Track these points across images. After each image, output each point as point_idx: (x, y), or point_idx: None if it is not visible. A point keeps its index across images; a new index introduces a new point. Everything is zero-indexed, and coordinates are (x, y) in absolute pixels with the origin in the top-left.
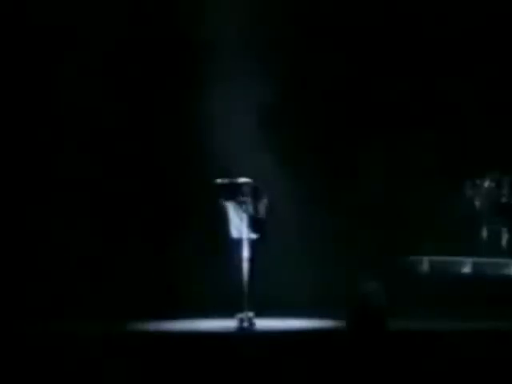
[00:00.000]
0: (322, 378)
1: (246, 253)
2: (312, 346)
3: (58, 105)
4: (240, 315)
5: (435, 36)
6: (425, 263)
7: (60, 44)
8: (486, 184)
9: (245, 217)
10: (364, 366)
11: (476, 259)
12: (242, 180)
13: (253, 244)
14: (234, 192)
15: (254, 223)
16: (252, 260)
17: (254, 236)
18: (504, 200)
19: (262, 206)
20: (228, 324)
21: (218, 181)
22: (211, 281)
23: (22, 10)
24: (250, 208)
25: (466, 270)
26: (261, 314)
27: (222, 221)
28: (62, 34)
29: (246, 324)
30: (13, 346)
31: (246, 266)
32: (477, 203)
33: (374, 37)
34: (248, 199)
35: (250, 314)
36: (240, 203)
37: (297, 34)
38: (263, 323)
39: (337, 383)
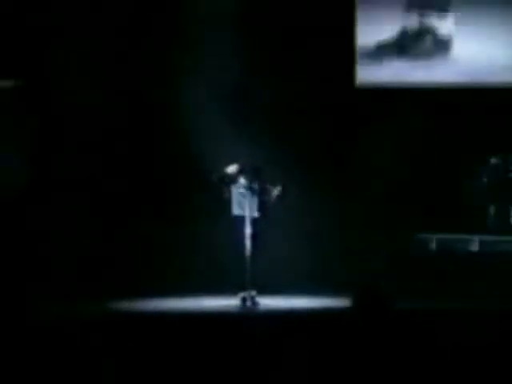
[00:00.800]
0: (328, 357)
1: (248, 230)
2: (317, 326)
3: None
4: (242, 294)
5: None
6: (432, 241)
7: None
8: (493, 160)
9: (248, 194)
10: (370, 346)
11: (483, 237)
12: (235, 168)
13: (255, 222)
14: (235, 178)
15: (259, 202)
16: (254, 238)
17: (256, 214)
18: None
19: (275, 192)
20: (230, 303)
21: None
22: (213, 259)
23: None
24: (256, 185)
25: (474, 247)
26: (262, 292)
27: (224, 199)
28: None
29: (248, 303)
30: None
31: (248, 243)
32: (484, 180)
33: None
34: (251, 180)
35: (253, 292)
36: (244, 183)
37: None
38: (265, 302)
39: (343, 363)
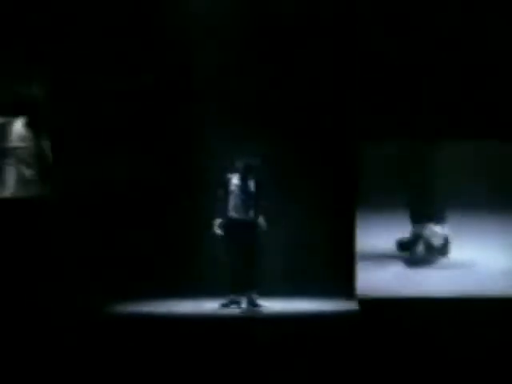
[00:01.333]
0: (331, 360)
1: (246, 233)
2: (321, 329)
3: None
4: (230, 297)
5: None
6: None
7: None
8: None
9: (243, 196)
10: (374, 349)
11: None
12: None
13: (252, 225)
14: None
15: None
16: (253, 241)
17: (252, 215)
18: None
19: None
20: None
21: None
22: (214, 261)
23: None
24: (250, 186)
25: None
26: (260, 294)
27: (221, 201)
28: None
29: (245, 305)
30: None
31: (246, 247)
32: None
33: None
34: (244, 179)
35: (254, 295)
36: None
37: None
38: (264, 304)
39: (346, 365)
